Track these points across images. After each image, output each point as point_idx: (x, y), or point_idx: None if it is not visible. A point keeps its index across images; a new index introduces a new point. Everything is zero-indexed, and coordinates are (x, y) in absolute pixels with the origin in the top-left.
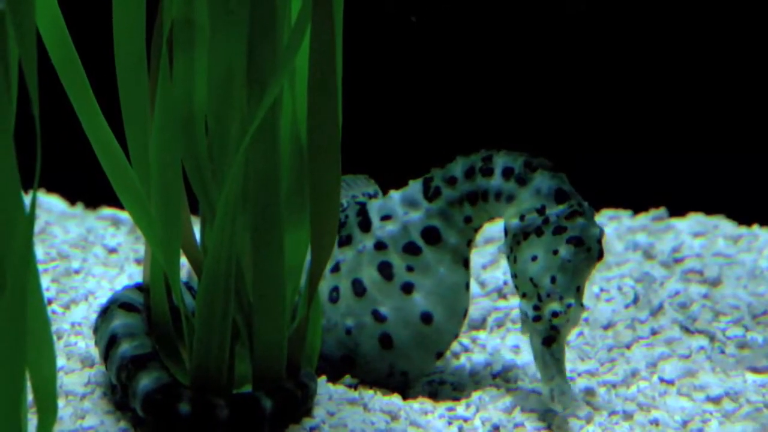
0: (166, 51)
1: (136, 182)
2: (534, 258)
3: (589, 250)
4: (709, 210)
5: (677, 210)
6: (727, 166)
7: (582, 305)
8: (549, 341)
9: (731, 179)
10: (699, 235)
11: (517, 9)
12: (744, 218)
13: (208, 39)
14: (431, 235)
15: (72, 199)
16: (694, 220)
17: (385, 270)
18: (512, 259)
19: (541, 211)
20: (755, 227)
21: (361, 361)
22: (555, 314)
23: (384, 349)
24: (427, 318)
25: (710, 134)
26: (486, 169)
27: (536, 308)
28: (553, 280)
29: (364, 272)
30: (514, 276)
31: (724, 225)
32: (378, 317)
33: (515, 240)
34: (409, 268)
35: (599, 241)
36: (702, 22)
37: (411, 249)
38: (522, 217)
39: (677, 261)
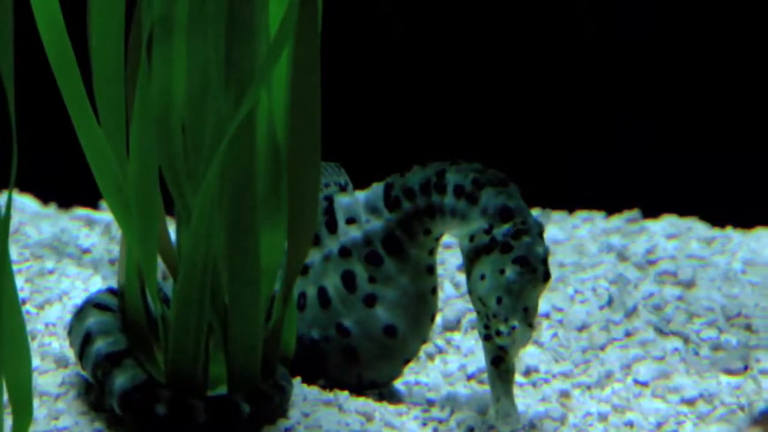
0: (146, 51)
1: (120, 179)
2: (482, 277)
3: (534, 271)
4: (683, 211)
5: (651, 211)
6: (700, 167)
7: (530, 325)
8: (497, 361)
9: (704, 181)
10: (673, 236)
11: (497, 7)
12: (717, 220)
13: (186, 39)
14: (392, 246)
15: (44, 199)
16: (667, 222)
17: (349, 280)
18: (467, 278)
19: (488, 231)
20: (728, 229)
21: (328, 371)
22: (499, 333)
23: (349, 361)
24: (390, 331)
25: (683, 136)
26: (440, 186)
27: (486, 327)
28: (498, 300)
29: (329, 280)
30: (469, 292)
31: (698, 227)
32: (341, 331)
33: (468, 260)
34: (372, 279)
35: (544, 262)
36: (680, 27)
37: (373, 259)
38: (472, 238)
39: (651, 263)
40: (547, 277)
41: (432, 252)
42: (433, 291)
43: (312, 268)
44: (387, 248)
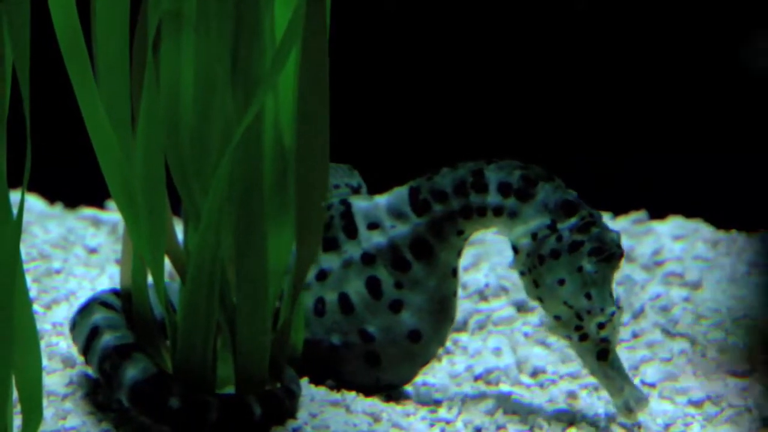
0: (152, 52)
1: (130, 177)
2: (561, 282)
3: (611, 256)
4: (688, 213)
5: (657, 213)
6: (706, 169)
7: (620, 308)
8: (604, 355)
9: (710, 183)
10: (679, 238)
11: (506, 8)
12: (722, 222)
13: (193, 36)
14: (421, 250)
15: (49, 199)
16: (674, 224)
17: (374, 287)
18: (531, 283)
19: (552, 227)
20: (733, 232)
21: (346, 374)
22: (602, 326)
23: (370, 366)
24: (415, 336)
25: (690, 137)
26: (478, 185)
27: (578, 328)
28: (588, 296)
29: (351, 286)
30: (539, 300)
31: (704, 229)
32: (365, 337)
33: (531, 262)
34: (398, 285)
35: (619, 245)
36: (684, 27)
37: (400, 264)
38: (534, 236)
39: (658, 264)
40: (621, 255)
41: (459, 253)
42: (455, 294)
43: (331, 274)
44: (415, 253)
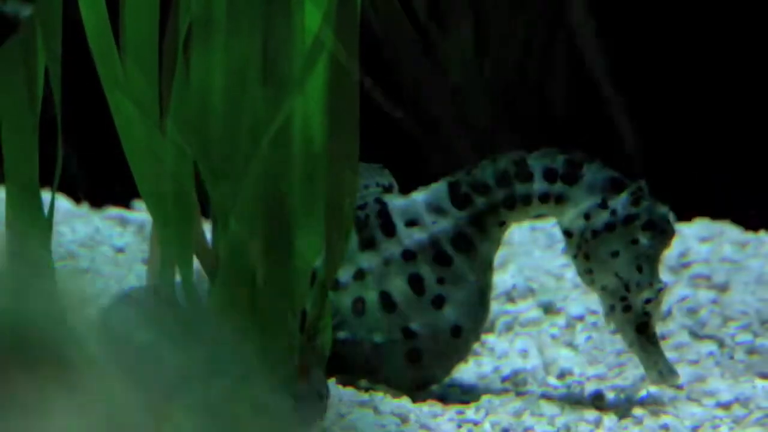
0: (182, 53)
1: (160, 177)
2: (615, 253)
3: (664, 231)
4: (714, 215)
5: (683, 215)
6: (732, 170)
7: (666, 285)
8: (644, 327)
9: (737, 185)
10: (705, 240)
11: None
12: (749, 224)
13: (224, 38)
14: (462, 243)
15: (74, 199)
16: (700, 226)
17: (416, 283)
18: (582, 257)
19: (603, 205)
20: (761, 233)
21: (386, 374)
22: (648, 301)
23: (411, 363)
24: (456, 331)
25: (715, 138)
26: (523, 174)
27: (624, 299)
28: (639, 269)
29: (392, 284)
30: (588, 272)
31: (730, 231)
32: (408, 334)
33: (584, 239)
34: (440, 280)
35: (669, 222)
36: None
37: (442, 259)
38: (587, 216)
39: (684, 266)
40: (672, 233)
41: (497, 245)
42: (489, 286)
43: (370, 273)
44: (456, 246)
